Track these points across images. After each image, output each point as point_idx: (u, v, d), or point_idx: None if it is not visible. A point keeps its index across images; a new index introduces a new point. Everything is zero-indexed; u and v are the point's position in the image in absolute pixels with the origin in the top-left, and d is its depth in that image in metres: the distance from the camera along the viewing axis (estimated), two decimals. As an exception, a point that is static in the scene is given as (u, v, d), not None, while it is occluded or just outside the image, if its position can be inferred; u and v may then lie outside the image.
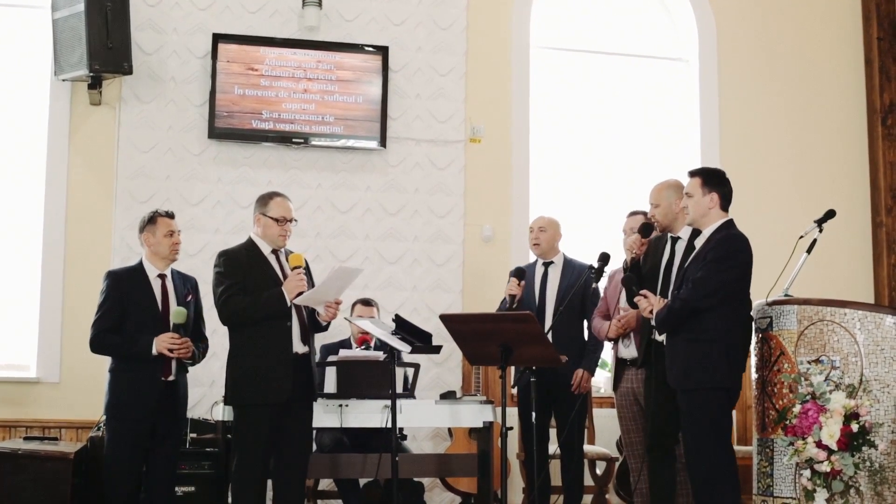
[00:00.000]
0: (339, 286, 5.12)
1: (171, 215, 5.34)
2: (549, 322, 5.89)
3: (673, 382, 4.87)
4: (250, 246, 5.22)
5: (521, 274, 6.00)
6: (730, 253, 4.78)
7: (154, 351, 5.09)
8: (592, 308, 5.94)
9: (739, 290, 4.82)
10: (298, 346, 5.12)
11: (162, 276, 5.26)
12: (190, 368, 5.33)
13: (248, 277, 5.10)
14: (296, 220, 5.29)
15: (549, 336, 5.82)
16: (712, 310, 4.74)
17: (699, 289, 4.74)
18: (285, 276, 5.14)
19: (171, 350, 5.10)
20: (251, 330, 5.07)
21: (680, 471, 5.16)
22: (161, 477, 5.19)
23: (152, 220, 5.29)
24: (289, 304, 5.05)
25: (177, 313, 5.17)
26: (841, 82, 8.18)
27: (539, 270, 6.17)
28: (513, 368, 5.91)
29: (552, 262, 6.16)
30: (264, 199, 5.25)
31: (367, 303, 6.52)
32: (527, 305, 5.95)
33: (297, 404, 5.12)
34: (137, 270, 5.27)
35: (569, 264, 6.13)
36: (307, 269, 5.31)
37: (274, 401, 5.00)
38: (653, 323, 4.93)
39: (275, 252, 5.22)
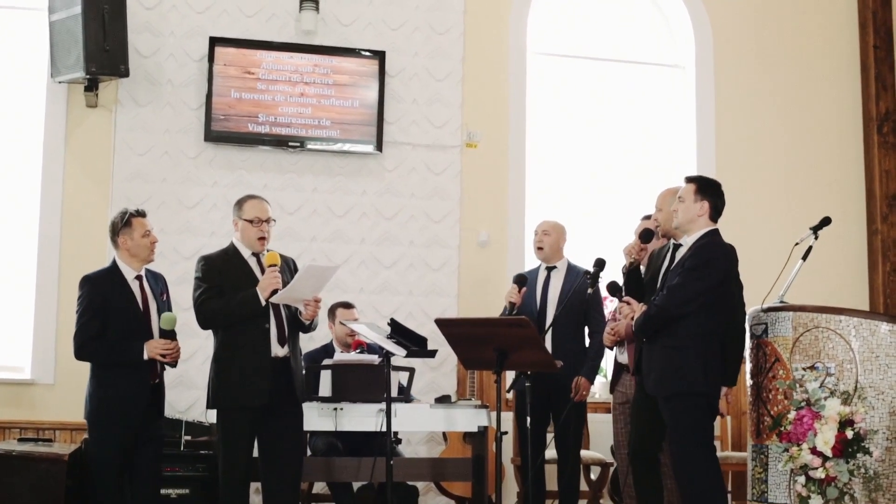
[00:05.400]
0: (314, 284, 5.03)
1: (143, 214, 5.22)
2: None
3: (650, 389, 4.87)
4: (231, 250, 5.19)
5: (521, 281, 5.90)
6: (707, 261, 4.77)
7: (145, 356, 5.01)
8: (595, 314, 5.93)
9: (718, 298, 4.79)
10: (277, 349, 5.06)
11: (139, 278, 5.16)
12: (185, 371, 5.31)
13: (226, 281, 5.07)
14: (273, 220, 5.21)
15: (549, 342, 5.83)
16: (689, 317, 4.74)
17: (674, 296, 4.75)
18: None
19: (163, 356, 5.05)
20: (228, 332, 5.04)
21: (666, 477, 5.16)
22: (146, 479, 5.10)
23: (127, 222, 5.14)
24: (263, 302, 4.99)
25: (166, 320, 5.08)
26: (837, 90, 8.19)
27: (542, 275, 6.11)
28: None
29: (555, 268, 6.10)
30: (239, 203, 5.20)
31: (347, 305, 6.47)
32: (528, 310, 5.88)
33: (284, 408, 5.06)
34: (114, 273, 5.12)
35: (572, 270, 6.05)
36: (294, 267, 5.29)
37: (250, 404, 4.97)
38: (633, 329, 4.95)
39: (256, 255, 5.17)
